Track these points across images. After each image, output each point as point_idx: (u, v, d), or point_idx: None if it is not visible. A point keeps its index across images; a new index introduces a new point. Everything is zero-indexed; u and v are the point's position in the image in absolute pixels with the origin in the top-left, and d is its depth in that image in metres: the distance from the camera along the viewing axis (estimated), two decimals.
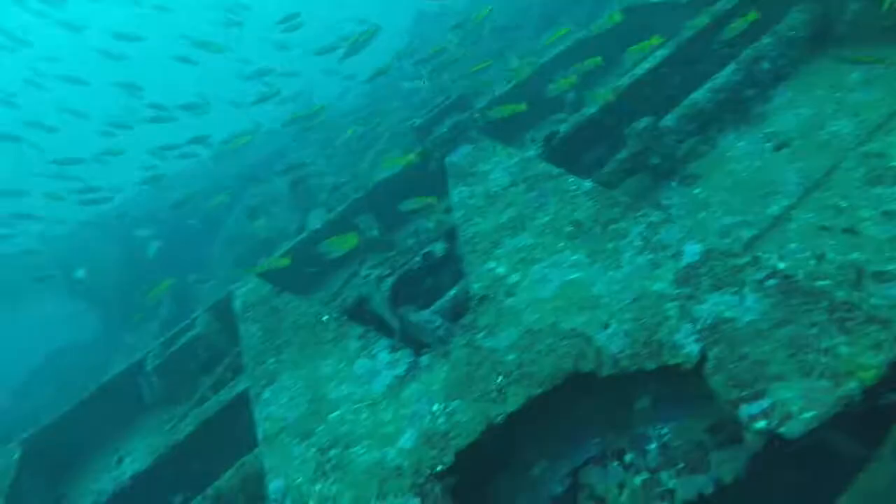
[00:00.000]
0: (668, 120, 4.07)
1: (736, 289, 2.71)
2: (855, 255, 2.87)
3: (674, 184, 3.98)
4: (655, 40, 4.30)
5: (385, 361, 3.39)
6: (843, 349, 2.24)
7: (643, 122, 3.99)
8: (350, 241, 4.56)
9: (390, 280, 4.39)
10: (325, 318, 4.16)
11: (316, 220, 6.39)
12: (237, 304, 5.13)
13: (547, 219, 3.54)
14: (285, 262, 5.09)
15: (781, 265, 3.01)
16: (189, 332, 5.77)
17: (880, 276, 2.70)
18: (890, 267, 2.72)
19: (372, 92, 12.89)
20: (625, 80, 4.55)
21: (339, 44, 7.78)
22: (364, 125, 9.23)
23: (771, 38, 4.35)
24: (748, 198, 3.60)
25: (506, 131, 5.24)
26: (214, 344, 5.62)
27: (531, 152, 4.25)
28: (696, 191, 3.85)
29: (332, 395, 3.37)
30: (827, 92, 3.97)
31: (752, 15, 3.98)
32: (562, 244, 3.33)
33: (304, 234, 5.99)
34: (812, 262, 2.94)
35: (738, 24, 4.09)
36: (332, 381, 3.51)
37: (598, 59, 4.77)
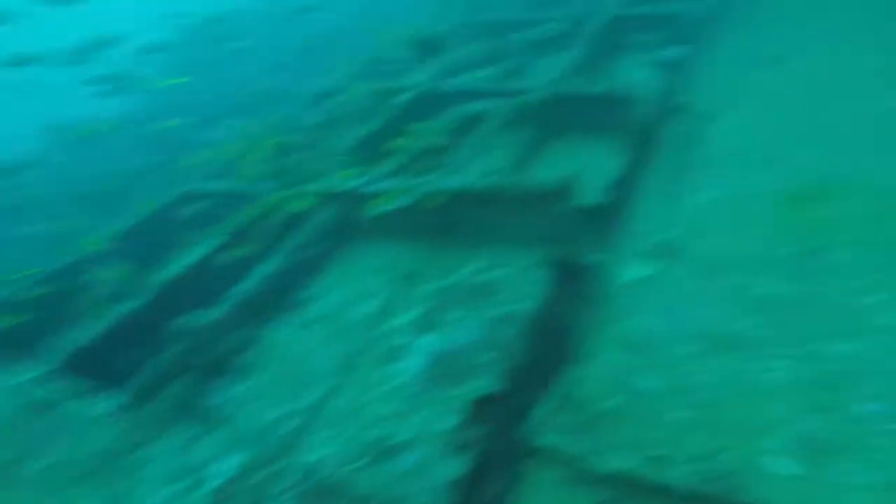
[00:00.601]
0: (214, 313, 4.20)
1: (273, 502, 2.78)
2: (376, 433, 3.35)
3: (222, 381, 4.02)
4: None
5: None
6: None
7: (185, 319, 4.00)
8: None
9: None
10: None
11: None
12: None
13: (53, 459, 3.05)
14: None
15: (318, 456, 3.28)
16: None
17: (393, 451, 3.18)
18: (402, 438, 3.26)
19: None
20: (168, 273, 4.59)
21: None
22: None
23: (306, 229, 5.10)
24: (293, 386, 3.89)
25: (16, 341, 4.54)
26: None
27: (42, 368, 3.73)
28: (245, 385, 3.97)
29: None
30: (358, 277, 4.80)
31: (246, 249, 4.67)
32: (72, 491, 2.88)
33: None
34: (342, 449, 3.28)
35: (236, 252, 4.74)
36: None
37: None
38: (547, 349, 3.96)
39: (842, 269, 3.61)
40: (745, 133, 5.32)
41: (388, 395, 3.55)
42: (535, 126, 6.16)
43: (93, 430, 3.20)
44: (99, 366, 3.96)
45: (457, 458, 3.02)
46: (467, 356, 3.67)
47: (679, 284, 3.85)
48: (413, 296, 4.29)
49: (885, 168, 4.35)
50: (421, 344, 3.85)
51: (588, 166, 5.54)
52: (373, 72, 8.47)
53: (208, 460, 3.00)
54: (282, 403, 3.72)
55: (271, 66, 12.07)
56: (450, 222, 4.78)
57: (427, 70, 7.52)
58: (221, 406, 3.74)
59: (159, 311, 4.29)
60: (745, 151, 5.06)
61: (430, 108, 6.74)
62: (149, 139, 9.01)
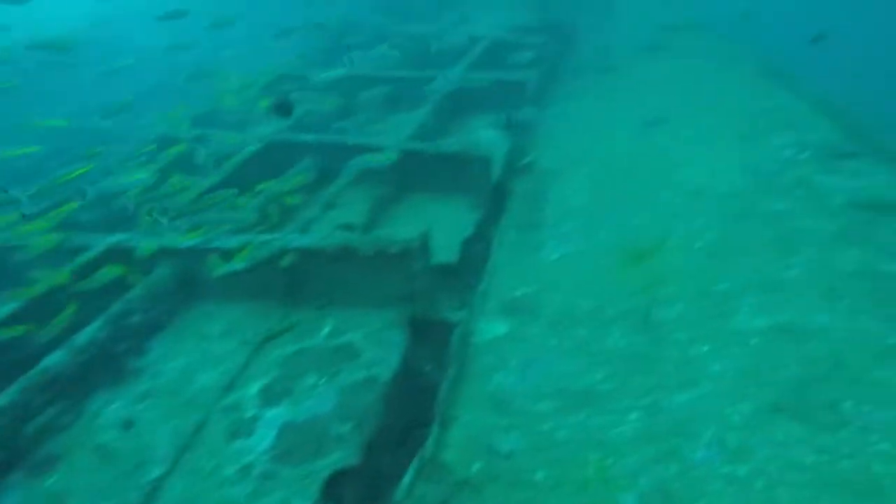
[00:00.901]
0: (8, 395, 3.51)
1: None
2: None
3: (20, 476, 3.34)
4: None
5: None
6: None
7: None
8: None
9: None
10: None
11: None
12: None
13: None
14: None
15: None
16: None
17: None
18: None
19: None
20: None
21: None
22: None
23: (140, 290, 4.53)
24: (118, 475, 3.33)
25: None
26: None
27: None
28: (52, 479, 3.33)
29: None
30: (200, 343, 4.32)
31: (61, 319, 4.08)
32: None
33: None
34: None
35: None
36: None
37: None
38: (408, 413, 3.82)
39: (674, 322, 3.94)
40: (586, 193, 5.77)
41: (235, 476, 3.16)
42: (387, 183, 6.17)
43: None
44: None
45: None
46: (323, 427, 3.40)
47: (535, 341, 3.95)
48: (262, 362, 3.95)
49: (702, 228, 4.91)
50: (271, 416, 3.51)
51: (441, 224, 5.62)
52: (218, 120, 8.03)
53: None
54: (102, 497, 3.15)
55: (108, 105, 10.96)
56: (301, 282, 4.52)
57: (276, 121, 7.27)
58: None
59: None
60: (586, 211, 5.47)
61: (278, 162, 6.48)
62: None
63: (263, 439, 3.36)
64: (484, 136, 6.65)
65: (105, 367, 4.07)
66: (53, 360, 3.82)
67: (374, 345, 3.97)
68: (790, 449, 3.00)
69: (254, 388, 3.72)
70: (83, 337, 4.07)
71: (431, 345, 4.27)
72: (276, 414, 3.51)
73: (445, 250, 4.94)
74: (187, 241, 4.76)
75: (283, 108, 4.83)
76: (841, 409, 3.19)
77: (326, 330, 4.16)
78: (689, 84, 8.53)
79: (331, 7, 11.15)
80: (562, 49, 10.42)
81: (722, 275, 4.34)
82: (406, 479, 3.01)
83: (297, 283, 4.54)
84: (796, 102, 7.27)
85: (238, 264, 4.37)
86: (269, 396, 3.64)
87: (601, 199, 5.68)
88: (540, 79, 8.51)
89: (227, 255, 4.52)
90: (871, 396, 3.25)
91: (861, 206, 4.85)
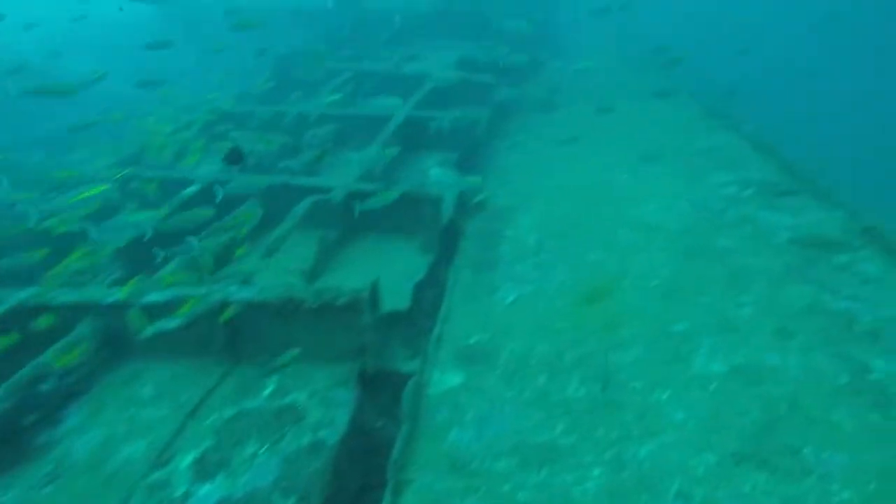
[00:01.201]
0: None
1: None
2: None
3: None
4: None
5: None
6: None
7: None
8: None
9: None
10: None
11: None
12: None
13: None
14: None
15: None
16: None
17: None
18: None
19: None
20: None
21: None
22: None
23: (55, 352, 4.14)
24: None
25: None
26: None
27: None
28: None
29: None
30: (120, 410, 3.94)
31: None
32: None
33: None
34: None
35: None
36: None
37: None
38: (359, 476, 3.57)
39: (632, 367, 3.86)
40: (539, 231, 5.72)
41: None
42: (335, 226, 5.97)
43: None
44: None
45: None
46: (264, 502, 3.11)
47: (491, 392, 3.78)
48: (196, 430, 3.62)
49: (656, 266, 4.91)
50: (205, 493, 3.18)
51: (391, 267, 5.45)
52: (152, 160, 7.67)
53: None
54: None
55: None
56: (240, 338, 4.23)
57: (216, 162, 6.99)
58: None
59: None
60: (539, 249, 5.40)
61: (220, 204, 6.19)
62: None
63: None
64: (434, 174, 6.55)
65: (4, 445, 3.63)
66: None
67: (321, 405, 3.72)
68: (756, 502, 2.93)
69: (186, 459, 3.38)
70: None
71: (383, 396, 4.06)
72: (211, 490, 3.18)
73: (396, 295, 4.76)
74: (113, 293, 4.41)
75: (234, 156, 4.64)
76: (802, 455, 3.15)
77: (269, 389, 3.88)
78: (641, 124, 8.74)
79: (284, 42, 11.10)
80: (514, 87, 10.54)
81: (677, 315, 4.31)
82: None
83: (237, 338, 4.25)
84: (737, 142, 7.52)
85: (174, 321, 4.06)
86: (204, 469, 3.31)
87: (554, 237, 5.64)
88: (492, 116, 8.54)
89: (160, 308, 4.20)
90: (829, 440, 3.23)
91: (804, 243, 4.95)
